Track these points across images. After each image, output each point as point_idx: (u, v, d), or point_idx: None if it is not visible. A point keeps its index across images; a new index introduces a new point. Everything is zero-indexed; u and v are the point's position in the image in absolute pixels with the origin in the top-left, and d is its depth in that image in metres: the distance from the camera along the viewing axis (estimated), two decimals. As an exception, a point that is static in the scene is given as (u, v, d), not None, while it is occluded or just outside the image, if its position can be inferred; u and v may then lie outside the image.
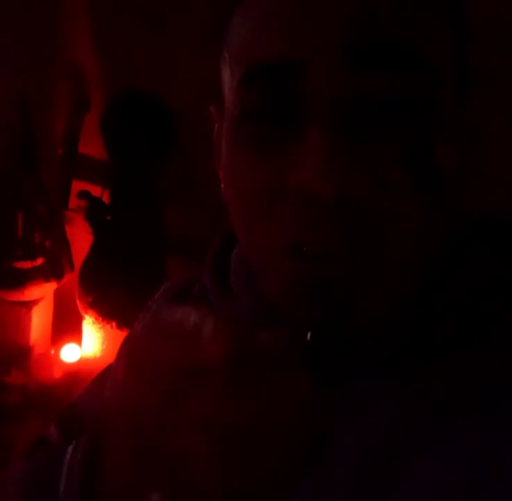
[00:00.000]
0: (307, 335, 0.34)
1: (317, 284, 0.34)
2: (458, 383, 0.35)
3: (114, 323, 1.66)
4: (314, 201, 0.32)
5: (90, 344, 1.72)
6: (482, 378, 0.35)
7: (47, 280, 1.68)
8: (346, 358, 0.38)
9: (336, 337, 0.37)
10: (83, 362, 1.73)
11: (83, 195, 1.66)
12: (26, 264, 1.63)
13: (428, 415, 0.35)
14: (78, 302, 1.69)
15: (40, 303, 1.72)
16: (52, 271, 1.68)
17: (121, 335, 1.63)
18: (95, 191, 1.72)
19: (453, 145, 0.35)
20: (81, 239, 1.74)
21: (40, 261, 1.65)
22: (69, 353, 1.75)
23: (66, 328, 1.79)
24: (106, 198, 1.72)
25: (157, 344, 0.31)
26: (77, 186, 1.73)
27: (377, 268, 0.34)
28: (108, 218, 1.69)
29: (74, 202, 1.72)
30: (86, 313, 1.69)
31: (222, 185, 0.41)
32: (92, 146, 1.72)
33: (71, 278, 1.75)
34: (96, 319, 1.68)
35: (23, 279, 1.63)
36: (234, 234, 0.47)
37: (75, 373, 1.71)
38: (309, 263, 0.34)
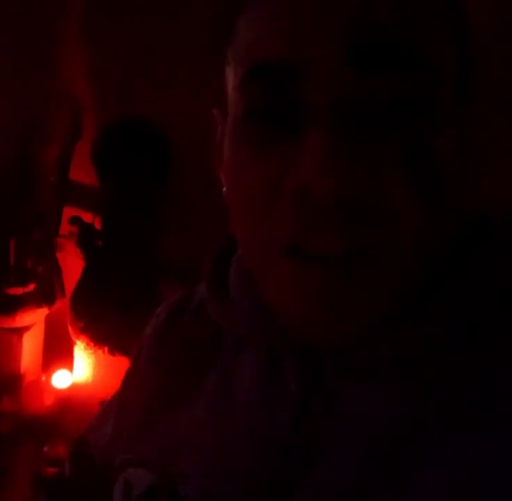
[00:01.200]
0: None
1: (315, 286, 0.34)
2: (459, 384, 0.35)
3: (106, 349, 1.65)
4: (313, 200, 0.32)
5: (81, 369, 1.71)
6: (483, 378, 0.35)
7: (39, 306, 1.67)
8: (346, 360, 0.38)
9: (334, 340, 0.37)
10: (74, 388, 1.72)
11: (75, 220, 1.67)
12: (18, 290, 1.62)
13: (429, 415, 0.35)
14: (69, 327, 1.68)
15: (31, 329, 1.70)
16: (44, 297, 1.68)
17: (113, 360, 1.62)
18: (87, 216, 1.72)
19: (454, 145, 0.35)
20: (72, 264, 1.74)
21: (31, 287, 1.64)
22: (61, 380, 1.73)
23: (57, 354, 1.78)
24: (97, 224, 1.72)
25: None
26: (68, 212, 1.74)
27: (376, 268, 0.34)
28: (100, 243, 1.69)
29: (65, 228, 1.73)
30: (78, 338, 1.68)
31: (224, 187, 0.41)
32: (83, 171, 1.73)
33: (61, 304, 1.74)
34: (88, 344, 1.67)
35: (15, 305, 1.62)
36: (230, 244, 0.48)
37: (67, 399, 1.69)
38: (307, 264, 0.34)
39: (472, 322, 0.36)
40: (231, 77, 0.39)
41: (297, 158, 0.33)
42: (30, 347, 1.72)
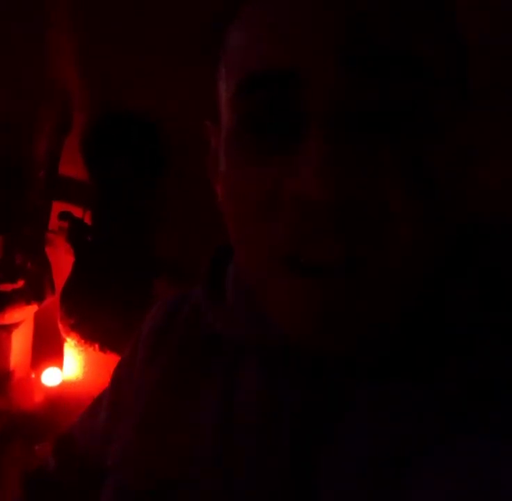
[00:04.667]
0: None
1: (315, 298, 0.33)
2: (462, 388, 0.35)
3: (97, 346, 1.63)
4: (312, 208, 0.32)
5: (71, 367, 1.69)
6: (484, 383, 0.34)
7: (28, 302, 1.65)
8: (346, 366, 0.38)
9: (333, 351, 0.36)
10: (64, 385, 1.70)
11: (65, 216, 1.65)
12: (7, 287, 1.60)
13: (432, 420, 0.34)
14: (59, 324, 1.67)
15: (20, 326, 1.68)
16: (33, 294, 1.66)
17: (103, 357, 1.60)
18: (77, 211, 1.70)
19: (452, 150, 0.35)
20: (62, 260, 1.72)
21: (20, 283, 1.62)
22: (51, 377, 1.72)
23: (47, 351, 1.76)
24: (87, 219, 1.71)
25: None
26: (59, 207, 1.72)
27: (376, 278, 0.34)
28: (90, 239, 1.68)
29: (55, 223, 1.71)
30: (68, 335, 1.66)
31: (220, 199, 0.41)
32: (73, 166, 1.71)
33: (51, 301, 1.72)
34: (78, 341, 1.65)
35: (3, 302, 1.59)
36: (227, 247, 0.48)
37: (57, 397, 1.67)
38: (306, 275, 0.34)
39: (472, 326, 0.36)
40: (223, 90, 0.38)
41: (295, 168, 0.33)
42: (19, 344, 1.70)
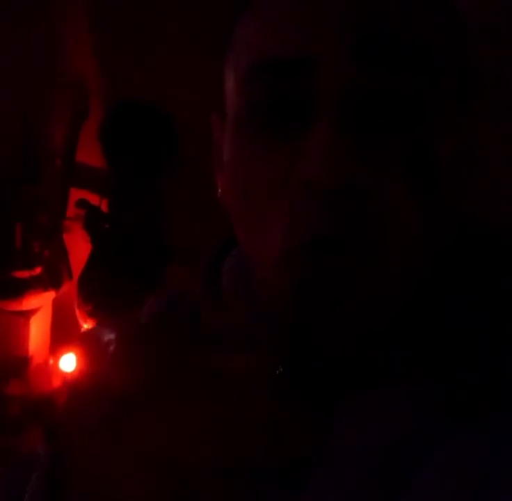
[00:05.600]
0: (278, 365, 0.34)
1: (312, 274, 0.34)
2: (462, 388, 0.34)
3: (113, 332, 1.64)
4: (317, 191, 0.32)
5: (89, 353, 1.71)
6: (485, 383, 0.34)
7: (46, 289, 1.67)
8: (345, 363, 0.38)
9: (333, 339, 0.36)
10: (82, 371, 1.72)
11: (82, 203, 1.66)
12: (25, 274, 1.62)
13: (432, 420, 0.34)
14: (77, 311, 1.68)
15: (38, 312, 1.71)
16: (51, 280, 1.68)
17: (120, 344, 1.62)
18: (94, 199, 1.71)
19: (454, 146, 0.35)
20: (79, 247, 1.73)
21: (38, 270, 1.64)
22: (68, 363, 1.74)
23: (65, 337, 1.78)
24: (104, 207, 1.72)
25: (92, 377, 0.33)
26: (76, 194, 1.73)
27: (375, 262, 0.34)
28: (107, 226, 1.69)
29: (72, 210, 1.72)
30: (85, 322, 1.68)
31: (220, 190, 0.41)
32: (90, 153, 1.72)
33: (69, 287, 1.74)
34: (95, 328, 1.66)
35: (21, 288, 1.62)
36: (224, 245, 0.48)
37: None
38: (308, 257, 0.34)
39: (472, 326, 0.36)
40: (231, 78, 0.38)
41: (303, 151, 0.33)
42: (37, 330, 1.72)
